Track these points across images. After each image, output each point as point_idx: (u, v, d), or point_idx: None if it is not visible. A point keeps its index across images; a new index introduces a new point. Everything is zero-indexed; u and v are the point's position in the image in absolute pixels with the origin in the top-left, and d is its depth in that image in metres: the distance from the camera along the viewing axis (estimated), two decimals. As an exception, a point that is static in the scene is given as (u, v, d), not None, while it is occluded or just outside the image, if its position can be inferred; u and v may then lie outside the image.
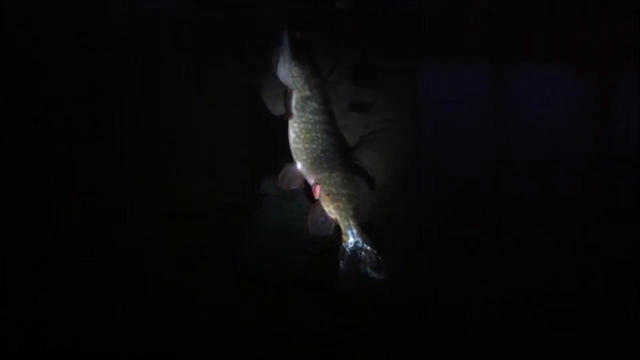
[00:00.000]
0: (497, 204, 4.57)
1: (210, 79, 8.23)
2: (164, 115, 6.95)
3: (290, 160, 1.98)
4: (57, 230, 4.02)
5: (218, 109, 6.61)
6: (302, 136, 1.95)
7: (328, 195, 1.97)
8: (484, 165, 4.52)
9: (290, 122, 1.95)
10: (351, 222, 1.96)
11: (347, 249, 1.96)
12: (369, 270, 1.95)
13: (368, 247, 1.95)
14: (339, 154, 1.98)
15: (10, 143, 5.77)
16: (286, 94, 1.97)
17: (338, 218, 1.97)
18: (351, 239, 1.96)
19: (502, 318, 3.11)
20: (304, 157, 1.96)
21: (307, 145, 1.95)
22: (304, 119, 1.94)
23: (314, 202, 1.99)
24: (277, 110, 2.13)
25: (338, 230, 1.98)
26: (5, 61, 8.89)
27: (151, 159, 5.50)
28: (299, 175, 1.98)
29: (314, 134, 1.95)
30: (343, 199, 1.97)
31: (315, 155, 1.96)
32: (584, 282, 3.45)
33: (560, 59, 10.29)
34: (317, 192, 1.98)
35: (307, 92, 1.93)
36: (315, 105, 1.94)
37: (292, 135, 1.96)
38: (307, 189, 2.02)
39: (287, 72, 1.91)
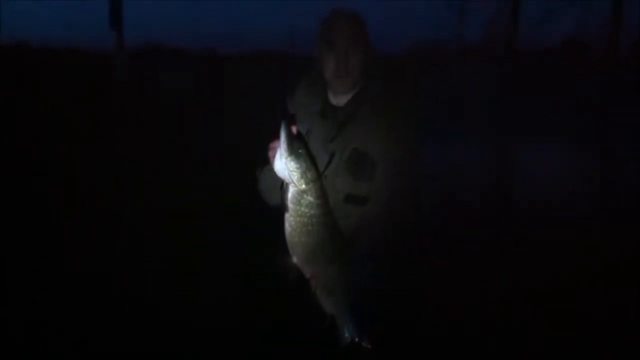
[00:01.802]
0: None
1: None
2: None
3: (286, 252, 1.95)
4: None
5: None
6: (297, 230, 1.91)
7: (324, 289, 1.96)
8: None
9: (287, 215, 1.91)
10: (347, 317, 1.96)
11: (343, 345, 1.96)
12: None
13: (364, 344, 1.95)
14: (334, 248, 1.95)
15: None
16: (282, 187, 1.94)
17: (334, 312, 1.97)
18: (347, 334, 1.96)
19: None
20: (300, 250, 1.93)
21: (302, 239, 1.92)
22: (299, 212, 1.90)
23: (309, 295, 1.98)
24: (274, 202, 2.11)
25: (334, 325, 1.97)
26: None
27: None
28: (295, 268, 1.96)
29: (310, 227, 1.91)
30: (339, 293, 1.96)
31: (310, 249, 1.93)
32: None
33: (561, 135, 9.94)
34: (313, 285, 1.96)
35: (304, 186, 1.88)
36: (311, 199, 1.89)
37: (287, 228, 1.92)
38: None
39: (284, 166, 1.87)
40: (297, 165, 1.86)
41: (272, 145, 1.95)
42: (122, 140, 6.43)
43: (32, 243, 3.78)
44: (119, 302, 3.18)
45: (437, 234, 3.89)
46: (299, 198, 1.89)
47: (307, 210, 1.90)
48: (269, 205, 2.25)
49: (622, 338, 2.99)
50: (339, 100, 2.22)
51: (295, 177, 1.87)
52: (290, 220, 1.91)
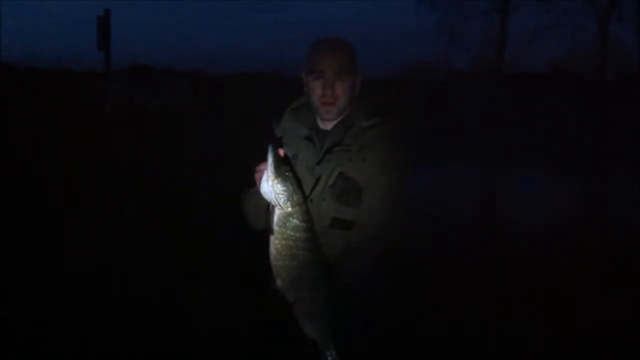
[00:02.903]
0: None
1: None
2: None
3: (271, 276, 1.94)
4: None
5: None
6: (282, 253, 1.91)
7: (307, 315, 1.95)
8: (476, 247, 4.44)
9: (272, 238, 1.91)
10: (330, 345, 1.94)
11: None
12: None
13: None
14: (319, 272, 1.95)
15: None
16: (268, 210, 1.93)
17: (316, 338, 1.95)
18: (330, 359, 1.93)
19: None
20: (284, 275, 1.93)
21: (287, 262, 1.92)
22: (285, 235, 1.90)
23: (293, 320, 1.96)
24: (259, 225, 2.11)
25: (316, 349, 1.95)
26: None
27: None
28: (278, 292, 1.94)
29: (294, 251, 1.91)
30: (322, 319, 1.95)
31: (295, 272, 1.92)
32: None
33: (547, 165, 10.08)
34: (296, 311, 1.95)
35: (290, 209, 1.89)
36: (297, 222, 1.90)
37: (272, 252, 1.92)
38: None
39: (270, 188, 1.88)
40: (284, 188, 1.87)
41: (258, 167, 1.95)
42: (121, 142, 6.41)
43: (32, 243, 3.79)
44: (118, 301, 3.18)
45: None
46: (285, 221, 1.89)
47: (292, 234, 1.90)
48: (253, 229, 2.24)
49: (622, 338, 3.00)
50: (325, 125, 2.23)
51: (282, 200, 1.88)
52: (275, 244, 1.91)
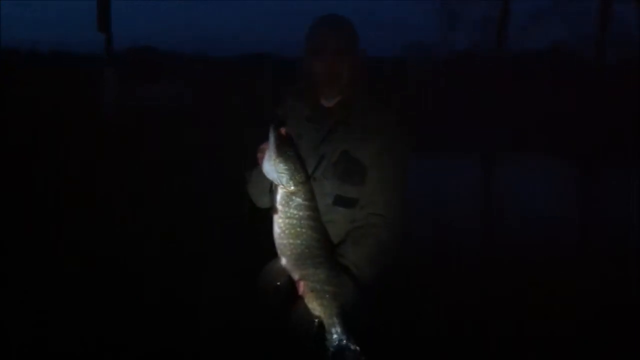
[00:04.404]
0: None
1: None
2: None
3: (275, 255, 1.95)
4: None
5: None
6: (286, 231, 1.92)
7: (312, 292, 1.96)
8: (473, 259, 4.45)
9: (275, 217, 1.92)
10: (335, 320, 1.95)
11: (331, 348, 1.95)
12: None
13: (352, 347, 1.94)
14: (323, 250, 1.96)
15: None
16: (272, 189, 1.94)
17: (322, 315, 1.97)
18: (335, 336, 1.95)
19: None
20: (288, 252, 1.94)
21: (291, 241, 1.93)
22: (288, 214, 1.91)
23: (298, 298, 1.97)
24: (264, 204, 2.12)
25: (322, 327, 1.96)
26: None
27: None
28: (283, 271, 1.96)
29: (298, 229, 1.92)
30: (327, 296, 1.96)
31: (299, 251, 1.93)
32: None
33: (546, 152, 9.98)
34: (301, 288, 1.96)
35: (292, 188, 1.90)
36: (300, 200, 1.91)
37: (276, 230, 1.93)
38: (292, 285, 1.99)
39: (273, 167, 1.89)
40: (286, 167, 1.88)
41: (261, 147, 1.96)
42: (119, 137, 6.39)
43: (32, 243, 3.79)
44: (118, 301, 3.18)
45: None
46: (288, 200, 1.91)
47: (296, 212, 1.91)
48: (258, 207, 2.25)
49: (622, 338, 3.02)
50: (328, 103, 2.23)
51: (284, 179, 1.89)
52: (279, 222, 1.92)
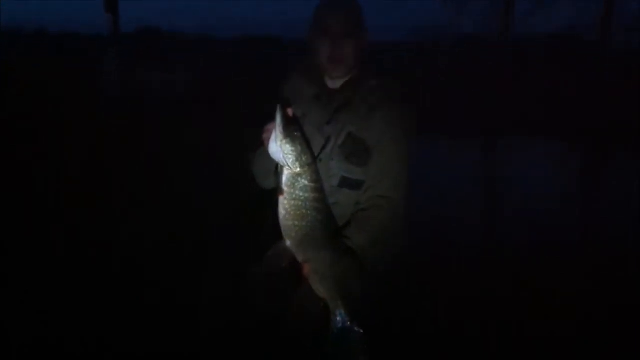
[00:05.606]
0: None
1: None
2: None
3: (280, 237, 1.95)
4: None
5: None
6: (292, 213, 1.91)
7: (316, 274, 1.96)
8: (475, 244, 4.41)
9: (281, 199, 1.91)
10: (339, 302, 1.96)
11: (335, 329, 1.96)
12: (356, 351, 1.95)
13: (356, 328, 1.95)
14: (328, 232, 1.96)
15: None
16: (277, 170, 1.93)
17: (326, 297, 1.97)
18: (339, 318, 1.96)
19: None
20: (293, 234, 1.93)
21: (296, 223, 1.92)
22: (294, 196, 1.90)
23: (303, 280, 1.97)
24: (269, 186, 2.11)
25: (327, 309, 1.97)
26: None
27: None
28: (288, 252, 1.95)
29: (304, 211, 1.91)
30: (331, 278, 1.95)
31: (304, 232, 1.92)
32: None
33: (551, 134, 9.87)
34: (306, 270, 1.95)
35: (298, 170, 1.89)
36: (306, 182, 1.90)
37: (282, 212, 1.92)
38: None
39: (279, 148, 1.87)
40: (292, 148, 1.86)
41: (266, 128, 1.94)
42: (119, 130, 6.38)
43: (32, 243, 3.78)
44: (118, 301, 3.18)
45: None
46: (294, 181, 1.89)
47: (301, 194, 1.90)
48: (263, 188, 2.25)
49: (622, 338, 3.01)
50: (334, 84, 2.22)
51: (290, 160, 1.87)
52: (284, 204, 1.91)
